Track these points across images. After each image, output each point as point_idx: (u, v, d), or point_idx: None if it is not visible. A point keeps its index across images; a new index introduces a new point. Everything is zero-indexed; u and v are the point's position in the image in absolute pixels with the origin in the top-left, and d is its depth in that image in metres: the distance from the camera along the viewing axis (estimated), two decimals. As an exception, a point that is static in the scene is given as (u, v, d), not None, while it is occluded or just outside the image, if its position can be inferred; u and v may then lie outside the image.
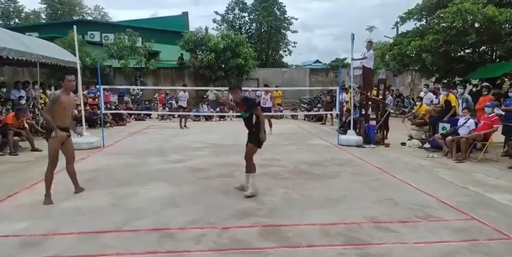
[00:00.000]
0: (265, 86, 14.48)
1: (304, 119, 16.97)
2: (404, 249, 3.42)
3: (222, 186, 5.61)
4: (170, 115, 17.07)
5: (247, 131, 5.22)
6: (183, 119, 13.62)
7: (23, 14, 43.04)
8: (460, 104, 9.10)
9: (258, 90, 17.54)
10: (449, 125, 8.60)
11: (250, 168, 5.16)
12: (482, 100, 8.55)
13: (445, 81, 16.54)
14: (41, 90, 12.77)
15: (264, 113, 12.89)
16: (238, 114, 20.41)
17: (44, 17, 43.20)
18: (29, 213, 4.33)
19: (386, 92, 10.52)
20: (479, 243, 3.56)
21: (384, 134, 9.68)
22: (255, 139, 5.11)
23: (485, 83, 11.11)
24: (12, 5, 42.25)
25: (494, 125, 7.49)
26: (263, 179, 5.83)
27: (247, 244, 3.52)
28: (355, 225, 3.99)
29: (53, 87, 14.36)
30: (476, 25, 14.44)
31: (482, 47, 15.83)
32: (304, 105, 18.96)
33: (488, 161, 7.51)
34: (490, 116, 7.59)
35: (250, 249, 3.42)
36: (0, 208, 4.53)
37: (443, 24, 14.64)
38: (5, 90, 11.90)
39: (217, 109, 17.39)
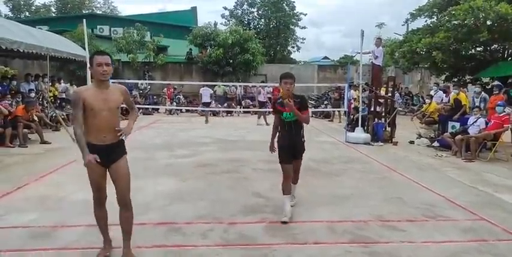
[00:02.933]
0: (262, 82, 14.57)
1: (312, 116, 16.89)
2: (411, 248, 3.40)
3: (229, 181, 5.61)
4: (178, 110, 17.11)
5: (294, 139, 4.08)
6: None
7: (33, 8, 43.31)
8: (477, 103, 8.99)
9: (266, 86, 17.51)
10: (458, 124, 8.51)
11: (296, 179, 4.43)
12: (493, 99, 8.45)
13: (456, 79, 16.36)
14: (50, 84, 12.87)
15: (261, 109, 13.01)
16: (246, 109, 20.38)
17: (54, 10, 43.44)
18: (38, 205, 4.38)
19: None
20: (488, 243, 3.52)
21: (392, 132, 9.61)
22: (301, 150, 4.16)
23: (496, 82, 10.97)
24: (23, -2, 42.47)
25: (504, 125, 7.40)
26: (270, 176, 5.82)
27: (254, 240, 3.52)
28: (363, 223, 3.98)
29: (62, 81, 14.49)
30: (489, 23, 14.22)
31: (494, 45, 15.59)
32: (312, 102, 18.89)
33: (498, 160, 7.43)
34: (500, 115, 7.50)
35: (257, 245, 3.42)
36: (10, 200, 4.58)
37: (455, 22, 14.44)
38: (15, 83, 12.01)
39: (225, 104, 17.40)
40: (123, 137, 3.06)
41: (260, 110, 13.61)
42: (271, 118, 12.03)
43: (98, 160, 2.89)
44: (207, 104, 14.95)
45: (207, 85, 15.89)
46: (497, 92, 9.38)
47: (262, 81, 14.85)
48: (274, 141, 4.27)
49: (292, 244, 3.45)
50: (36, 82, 12.25)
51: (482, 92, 9.47)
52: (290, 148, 4.07)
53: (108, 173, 3.06)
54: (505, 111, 7.58)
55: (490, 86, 11.66)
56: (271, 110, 4.47)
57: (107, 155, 2.97)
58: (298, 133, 4.08)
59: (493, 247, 3.46)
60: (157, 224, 3.85)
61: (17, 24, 10.31)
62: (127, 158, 3.16)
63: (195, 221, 3.96)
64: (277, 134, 4.22)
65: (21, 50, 8.50)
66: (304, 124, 4.11)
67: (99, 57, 2.90)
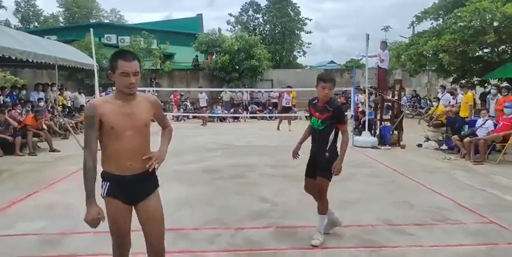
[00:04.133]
0: (288, 87, 14.68)
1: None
2: (420, 252, 3.37)
3: (236, 187, 5.62)
4: (185, 116, 17.21)
5: (315, 151, 3.59)
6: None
7: (41, 18, 44.11)
8: (493, 105, 8.93)
9: (272, 91, 17.57)
10: (466, 126, 8.44)
11: (322, 207, 3.60)
12: (502, 101, 8.37)
13: (463, 81, 16.23)
14: (58, 92, 13.05)
15: (286, 114, 13.04)
16: (253, 115, 20.42)
17: (62, 20, 44.21)
18: (47, 212, 4.42)
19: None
20: (498, 247, 3.48)
21: (399, 135, 9.56)
22: (328, 168, 3.43)
23: (505, 83, 10.87)
24: (32, 9, 43.32)
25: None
26: (277, 181, 5.82)
27: (261, 245, 3.52)
28: (370, 227, 3.95)
29: (64, 89, 14.61)
30: (495, 24, 14.13)
31: (502, 47, 15.48)
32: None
33: (507, 163, 7.34)
34: (509, 117, 7.43)
35: (264, 250, 3.42)
36: (20, 207, 4.63)
37: (461, 24, 14.37)
38: (24, 92, 12.20)
39: (232, 110, 17.46)
40: (155, 167, 2.30)
41: (283, 115, 13.57)
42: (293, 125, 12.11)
43: (103, 221, 2.26)
44: (202, 108, 17.13)
45: (206, 92, 17.72)
46: (506, 93, 9.29)
47: (289, 86, 14.96)
48: (299, 146, 3.75)
49: (300, 249, 3.44)
50: (46, 91, 12.43)
51: (498, 94, 9.39)
52: (311, 159, 3.62)
53: (134, 212, 2.37)
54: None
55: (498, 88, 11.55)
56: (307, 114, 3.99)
57: (133, 189, 2.27)
58: (321, 144, 3.47)
59: (503, 251, 3.41)
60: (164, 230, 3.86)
61: (26, 35, 10.50)
62: (159, 194, 2.45)
63: (202, 227, 3.97)
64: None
65: (31, 60, 8.64)
66: (345, 139, 3.45)
67: (125, 65, 2.15)
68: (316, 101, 3.50)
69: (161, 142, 2.55)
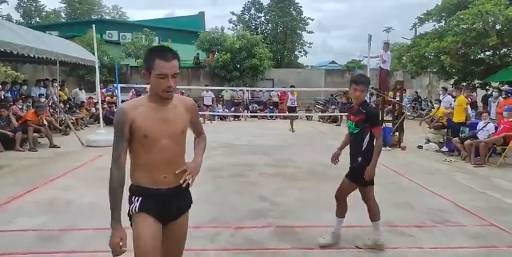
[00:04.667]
0: (292, 86, 14.59)
1: (319, 120, 16.88)
2: (420, 254, 3.37)
3: (236, 186, 5.62)
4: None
5: (351, 155, 3.43)
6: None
7: (43, 13, 44.05)
8: (494, 108, 8.93)
9: (273, 90, 17.56)
10: (467, 128, 8.43)
11: (371, 213, 3.49)
12: (502, 104, 8.37)
13: (464, 83, 16.24)
14: (59, 88, 13.05)
15: (290, 114, 12.96)
16: (254, 114, 20.43)
17: (64, 16, 44.16)
18: (47, 208, 4.42)
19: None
20: (498, 250, 3.48)
21: (400, 137, 9.55)
22: (360, 173, 3.31)
23: (506, 86, 10.88)
24: (34, 4, 43.25)
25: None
26: (277, 181, 5.82)
27: (261, 244, 3.52)
28: (371, 228, 3.94)
29: (63, 84, 14.56)
30: (498, 27, 14.13)
31: (503, 50, 15.48)
32: (319, 107, 18.88)
33: (508, 165, 7.34)
34: (509, 120, 7.43)
35: (264, 249, 3.42)
36: (20, 203, 4.63)
37: (463, 26, 14.38)
38: (25, 88, 12.19)
39: (232, 109, 17.45)
40: (189, 181, 2.01)
41: (289, 114, 13.42)
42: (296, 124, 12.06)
43: (124, 248, 1.94)
44: (208, 107, 16.82)
45: (211, 90, 17.20)
46: (507, 96, 9.30)
47: (292, 86, 14.79)
48: (339, 152, 3.62)
49: (299, 248, 3.45)
50: (47, 87, 12.42)
51: (500, 97, 9.40)
52: (350, 162, 3.46)
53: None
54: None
55: (500, 91, 11.57)
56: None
57: (169, 206, 2.01)
58: (356, 148, 3.35)
59: (503, 253, 3.42)
60: (164, 228, 3.86)
61: (28, 30, 10.48)
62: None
63: (202, 225, 3.96)
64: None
65: (32, 55, 8.63)
66: (378, 144, 3.29)
67: (164, 65, 1.86)
68: (352, 104, 3.45)
69: (195, 151, 2.28)
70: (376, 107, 2.85)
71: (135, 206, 1.97)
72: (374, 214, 3.44)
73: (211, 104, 17.13)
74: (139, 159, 1.97)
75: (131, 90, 17.30)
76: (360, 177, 3.30)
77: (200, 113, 15.75)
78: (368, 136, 3.27)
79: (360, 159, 3.31)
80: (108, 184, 1.95)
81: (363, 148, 3.29)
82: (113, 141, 1.97)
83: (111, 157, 1.96)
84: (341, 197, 3.54)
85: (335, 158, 3.63)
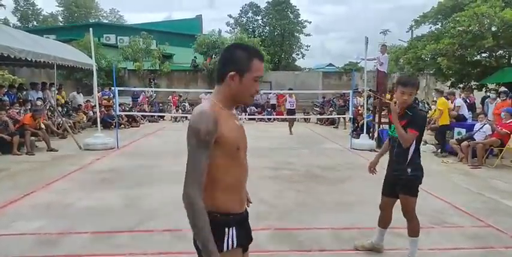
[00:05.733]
0: (290, 89, 14.68)
1: (317, 123, 16.91)
2: (418, 255, 3.37)
3: (234, 188, 5.61)
4: (183, 117, 17.20)
5: (393, 164, 3.19)
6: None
7: (41, 17, 44.09)
8: (491, 110, 8.97)
9: (270, 92, 17.57)
10: (464, 130, 8.47)
11: (412, 229, 3.20)
12: (499, 105, 8.42)
13: (461, 85, 16.32)
14: (57, 92, 13.03)
15: (290, 116, 12.96)
16: (251, 117, 20.48)
17: (61, 19, 44.20)
18: (44, 212, 4.41)
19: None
20: (495, 251, 3.49)
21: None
22: (410, 186, 3.10)
23: (503, 88, 10.93)
24: (31, 8, 43.27)
25: (504, 129, 7.34)
26: (275, 182, 5.82)
27: (259, 247, 3.51)
28: (368, 230, 3.95)
29: (60, 87, 14.57)
30: (494, 29, 14.20)
31: (500, 51, 15.56)
32: (317, 109, 18.91)
33: (505, 167, 7.37)
34: (507, 122, 7.46)
35: (262, 252, 3.41)
36: (17, 207, 4.61)
37: (459, 28, 14.43)
38: (24, 92, 12.16)
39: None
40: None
41: (288, 117, 13.45)
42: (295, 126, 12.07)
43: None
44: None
45: (209, 92, 16.59)
46: (504, 98, 9.35)
47: (290, 89, 14.89)
48: (377, 161, 3.41)
49: (298, 251, 3.45)
50: (44, 91, 12.39)
51: (498, 98, 9.45)
52: (389, 174, 3.22)
53: None
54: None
55: (497, 92, 11.63)
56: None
57: (249, 233, 1.85)
58: (399, 156, 3.06)
59: (501, 254, 3.43)
60: (163, 231, 3.86)
61: (25, 34, 10.48)
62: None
63: (200, 228, 3.96)
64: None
65: (29, 59, 8.63)
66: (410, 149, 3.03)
67: (260, 67, 1.66)
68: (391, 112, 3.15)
69: None
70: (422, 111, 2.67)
71: (232, 241, 1.59)
72: (414, 229, 3.16)
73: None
74: (228, 177, 1.62)
75: (141, 93, 17.42)
76: (410, 188, 3.07)
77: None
78: (414, 143, 2.99)
79: (409, 170, 3.04)
80: (190, 212, 1.55)
81: (410, 156, 3.02)
82: (189, 157, 1.58)
83: (188, 178, 1.60)
84: (411, 211, 3.17)
85: (373, 168, 3.42)
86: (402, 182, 3.09)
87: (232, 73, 1.60)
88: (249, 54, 1.61)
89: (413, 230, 3.15)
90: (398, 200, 3.26)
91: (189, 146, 1.57)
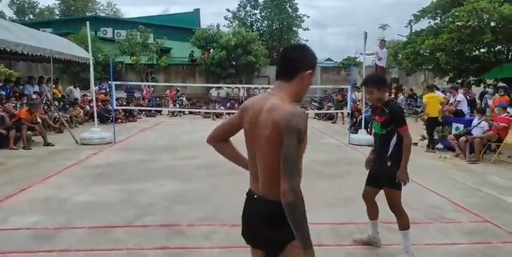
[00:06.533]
0: None
1: (315, 118, 16.90)
2: (415, 250, 3.36)
3: (232, 183, 5.58)
4: (180, 112, 17.15)
5: (376, 159, 3.30)
6: None
7: (37, 10, 43.75)
8: (490, 105, 9.01)
9: (268, 87, 17.45)
10: (462, 125, 8.47)
11: (401, 222, 3.21)
12: (498, 100, 8.43)
13: (459, 80, 16.32)
14: (54, 86, 12.94)
15: None
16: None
17: (58, 13, 43.83)
18: (41, 207, 4.39)
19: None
20: (493, 246, 3.50)
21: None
22: (392, 179, 3.10)
23: (501, 84, 10.93)
24: (27, 1, 42.90)
25: (501, 123, 7.36)
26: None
27: (257, 242, 3.51)
28: (365, 225, 3.94)
29: (57, 81, 14.45)
30: (492, 24, 14.19)
31: (498, 47, 15.55)
32: (315, 104, 18.88)
33: (502, 162, 7.39)
34: (501, 117, 7.48)
35: (260, 247, 3.40)
36: (14, 202, 4.59)
37: (458, 23, 14.41)
38: (20, 87, 12.08)
39: (228, 104, 17.40)
40: None
41: None
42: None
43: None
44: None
45: (213, 87, 17.67)
46: (502, 93, 9.35)
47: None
48: (371, 156, 3.39)
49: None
50: (41, 85, 12.31)
51: (496, 94, 9.47)
52: (372, 166, 3.33)
53: None
54: (508, 112, 7.56)
55: (496, 88, 11.65)
56: None
57: None
58: (381, 150, 3.19)
59: (498, 250, 3.43)
60: (160, 226, 3.84)
61: (21, 27, 10.36)
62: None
63: (198, 223, 3.95)
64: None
65: (26, 53, 8.54)
66: (406, 144, 3.06)
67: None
68: (373, 108, 3.36)
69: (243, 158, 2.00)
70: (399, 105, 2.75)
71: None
72: (403, 223, 3.19)
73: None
74: (300, 171, 1.72)
75: (144, 87, 17.42)
76: (392, 181, 3.09)
77: (204, 111, 15.79)
78: (395, 138, 3.09)
79: (389, 163, 3.11)
80: (302, 212, 1.57)
81: (390, 151, 3.11)
82: (290, 154, 1.59)
83: (292, 173, 1.60)
84: (396, 205, 3.21)
85: (370, 163, 3.43)
86: (384, 175, 3.16)
87: (309, 71, 1.73)
88: (314, 54, 1.77)
89: (403, 224, 3.19)
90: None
91: (289, 143, 1.59)
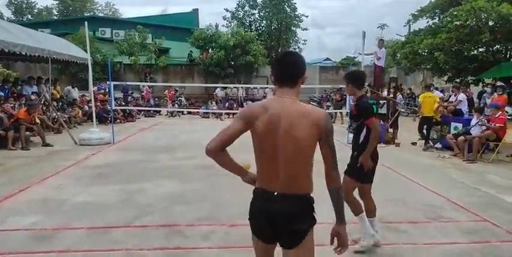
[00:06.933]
0: None
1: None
2: (413, 250, 3.39)
3: (231, 183, 5.58)
4: (179, 112, 17.14)
5: (352, 148, 3.47)
6: None
7: (35, 10, 43.66)
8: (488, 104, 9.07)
9: (267, 87, 17.52)
10: (461, 125, 8.48)
11: (369, 210, 3.47)
12: (496, 99, 8.44)
13: (458, 80, 16.35)
14: (53, 87, 12.92)
15: None
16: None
17: (56, 13, 43.76)
18: (40, 207, 4.38)
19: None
20: (491, 245, 3.51)
21: (394, 134, 9.59)
22: (351, 165, 3.34)
23: (499, 83, 10.95)
24: (25, 1, 42.81)
25: (497, 124, 7.37)
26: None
27: (256, 242, 3.51)
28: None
29: (55, 82, 14.41)
30: (491, 23, 14.21)
31: (496, 46, 15.59)
32: (314, 104, 18.89)
33: (500, 162, 7.40)
34: (496, 116, 7.49)
35: (259, 247, 3.40)
36: (12, 202, 4.58)
37: (457, 23, 14.44)
38: (19, 87, 12.05)
39: (227, 104, 17.39)
40: None
41: None
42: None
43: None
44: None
45: (218, 87, 17.77)
46: (500, 92, 9.36)
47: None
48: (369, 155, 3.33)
49: (294, 246, 3.43)
50: (39, 85, 12.29)
51: (495, 93, 9.49)
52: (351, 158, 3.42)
53: None
54: (507, 112, 7.57)
55: (494, 87, 11.66)
56: None
57: None
58: (354, 143, 3.40)
59: (496, 249, 3.44)
60: (158, 226, 3.84)
61: (20, 27, 10.34)
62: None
63: (197, 223, 3.95)
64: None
65: (24, 53, 8.52)
66: (372, 136, 3.23)
67: None
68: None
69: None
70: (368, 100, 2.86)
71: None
72: (369, 212, 3.42)
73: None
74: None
75: (145, 87, 17.44)
76: (350, 167, 3.31)
77: (203, 111, 15.80)
78: (365, 130, 3.25)
79: (355, 153, 3.32)
80: (342, 195, 2.14)
81: (360, 142, 3.29)
82: (332, 148, 1.96)
83: (337, 166, 2.05)
84: (346, 194, 3.30)
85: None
86: (350, 161, 3.38)
87: (305, 76, 1.93)
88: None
89: (366, 209, 3.41)
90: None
91: (331, 141, 1.93)
